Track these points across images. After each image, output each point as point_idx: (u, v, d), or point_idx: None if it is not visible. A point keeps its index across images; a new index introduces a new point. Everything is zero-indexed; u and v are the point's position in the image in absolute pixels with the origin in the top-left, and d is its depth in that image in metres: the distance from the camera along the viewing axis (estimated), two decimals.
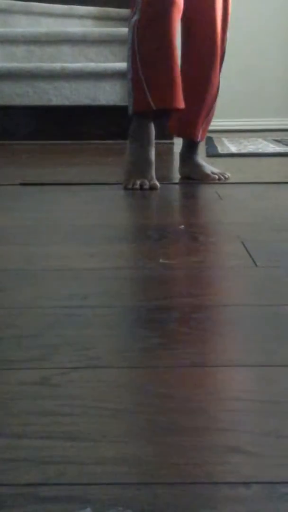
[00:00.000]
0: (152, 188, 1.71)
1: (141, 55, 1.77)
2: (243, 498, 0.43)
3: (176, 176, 1.97)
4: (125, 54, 3.44)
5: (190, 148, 1.94)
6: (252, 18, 4.39)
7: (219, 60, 1.85)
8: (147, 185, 1.72)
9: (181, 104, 1.75)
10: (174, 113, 1.83)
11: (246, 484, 0.44)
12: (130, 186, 1.72)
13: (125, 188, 1.73)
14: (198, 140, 1.91)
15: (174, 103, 1.74)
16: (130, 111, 1.80)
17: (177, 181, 1.90)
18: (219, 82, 1.88)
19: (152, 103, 1.75)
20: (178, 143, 3.20)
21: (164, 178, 1.92)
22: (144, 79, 1.75)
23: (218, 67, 1.85)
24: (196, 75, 1.85)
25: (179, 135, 1.96)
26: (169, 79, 1.73)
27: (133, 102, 1.78)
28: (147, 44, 1.75)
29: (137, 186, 1.72)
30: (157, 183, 1.73)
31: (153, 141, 1.80)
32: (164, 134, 3.19)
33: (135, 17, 1.78)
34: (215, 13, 1.80)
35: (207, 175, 1.86)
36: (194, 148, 1.94)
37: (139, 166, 1.76)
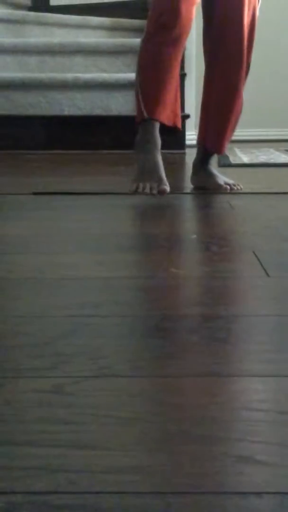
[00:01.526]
0: (161, 192, 1.69)
1: (139, 67, 1.82)
2: (254, 508, 0.43)
3: (188, 185, 1.97)
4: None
5: (204, 158, 1.93)
6: (266, 27, 4.39)
7: (245, 75, 1.85)
8: (155, 189, 1.70)
9: (166, 121, 1.78)
10: (205, 124, 1.88)
11: (257, 494, 0.44)
12: (139, 190, 1.71)
13: (134, 192, 1.71)
14: (222, 153, 1.94)
15: (161, 116, 1.76)
16: (136, 118, 1.83)
17: (189, 191, 1.90)
18: (242, 97, 1.89)
19: (145, 113, 1.78)
20: (189, 153, 3.20)
21: (176, 188, 1.92)
22: (140, 90, 1.80)
23: (243, 81, 1.86)
24: (223, 89, 1.85)
25: (206, 146, 1.92)
26: (159, 92, 1.76)
27: (136, 113, 1.83)
28: (145, 57, 1.79)
29: (147, 190, 1.70)
30: (167, 187, 1.70)
31: (159, 146, 1.79)
32: (177, 143, 3.19)
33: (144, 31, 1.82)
34: (242, 29, 1.78)
35: (219, 186, 1.85)
36: (208, 159, 1.93)
37: (146, 170, 1.75)
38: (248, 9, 1.78)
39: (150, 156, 1.77)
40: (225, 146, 1.90)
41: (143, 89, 1.79)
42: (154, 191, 1.70)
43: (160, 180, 1.72)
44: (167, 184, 1.71)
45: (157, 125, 1.79)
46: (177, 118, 1.85)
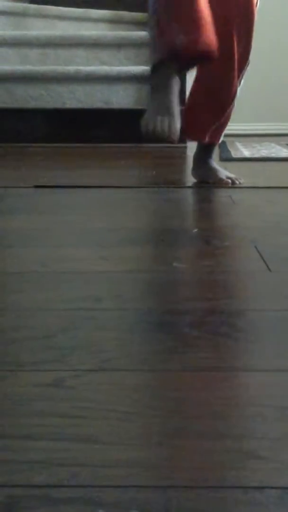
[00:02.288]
0: (169, 140, 1.60)
1: None
2: (255, 502, 0.43)
3: (189, 180, 1.97)
4: (140, 57, 3.45)
5: (204, 151, 1.87)
6: (270, 22, 4.38)
7: (236, 62, 1.73)
8: (166, 133, 1.59)
9: (212, 45, 1.59)
10: (187, 113, 1.76)
11: (259, 488, 0.44)
12: (150, 128, 1.60)
13: (144, 132, 1.61)
14: (206, 142, 1.82)
15: (205, 44, 1.58)
16: (152, 60, 1.66)
17: (190, 185, 1.90)
18: (237, 88, 1.78)
19: (179, 44, 1.58)
20: (191, 147, 3.20)
21: (177, 182, 1.92)
22: (168, 17, 1.59)
23: (236, 68, 1.73)
24: (210, 75, 1.75)
25: (186, 136, 1.85)
26: (196, 15, 1.57)
27: (157, 48, 1.64)
28: None
29: (158, 128, 1.59)
30: (176, 137, 1.62)
31: (178, 93, 1.67)
32: (180, 137, 3.18)
33: None
34: (231, 22, 1.67)
35: (221, 180, 1.83)
36: (208, 152, 1.87)
37: (160, 110, 1.62)
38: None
39: (167, 100, 1.64)
40: (206, 135, 1.79)
41: (175, 16, 1.59)
42: (166, 131, 1.60)
43: (173, 123, 1.62)
44: (178, 128, 1.62)
45: (176, 66, 1.63)
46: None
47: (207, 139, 1.80)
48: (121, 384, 0.60)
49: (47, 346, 0.69)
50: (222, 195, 1.70)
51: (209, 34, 1.59)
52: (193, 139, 1.86)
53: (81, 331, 0.74)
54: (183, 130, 1.72)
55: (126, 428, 0.52)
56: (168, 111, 1.63)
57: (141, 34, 3.41)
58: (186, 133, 1.82)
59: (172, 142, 1.65)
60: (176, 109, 1.64)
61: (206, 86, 1.77)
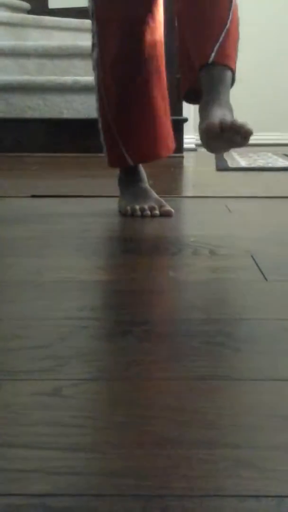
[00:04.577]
0: (166, 213, 1.52)
1: (109, 99, 1.53)
2: (253, 511, 0.43)
3: (186, 189, 1.97)
4: None
5: (216, 79, 1.39)
6: (266, 31, 4.41)
7: None
8: (155, 210, 1.52)
9: (165, 152, 1.55)
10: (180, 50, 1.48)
11: (256, 497, 0.44)
12: (137, 213, 1.52)
13: (132, 214, 1.53)
14: (210, 61, 1.38)
15: (158, 154, 1.55)
16: (106, 162, 1.61)
17: (186, 194, 1.90)
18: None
19: (129, 159, 1.55)
20: (187, 157, 3.21)
21: (174, 191, 1.93)
22: (116, 130, 1.55)
23: None
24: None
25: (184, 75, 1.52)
26: (147, 127, 1.52)
27: (107, 155, 1.60)
28: (114, 84, 1.51)
29: (146, 212, 1.51)
30: (170, 209, 1.53)
31: (144, 175, 1.61)
32: (176, 146, 3.19)
33: (95, 52, 1.53)
34: None
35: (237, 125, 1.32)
36: (223, 80, 1.40)
37: (139, 195, 1.57)
38: None
39: (140, 185, 1.59)
40: (210, 54, 1.40)
41: (123, 129, 1.55)
42: (156, 212, 1.52)
43: (159, 202, 1.55)
44: (169, 206, 1.54)
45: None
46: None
47: (212, 58, 1.39)
48: (117, 393, 0.60)
49: (44, 355, 0.69)
50: (218, 204, 1.70)
51: (162, 140, 1.54)
52: (197, 63, 1.42)
53: (78, 340, 0.74)
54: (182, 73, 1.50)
55: (122, 437, 0.53)
56: (144, 200, 1.56)
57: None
58: (183, 69, 1.50)
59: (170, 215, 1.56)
60: (151, 196, 1.57)
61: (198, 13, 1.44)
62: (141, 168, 1.63)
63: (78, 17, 3.82)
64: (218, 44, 1.39)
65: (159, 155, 1.56)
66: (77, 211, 1.63)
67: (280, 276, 1.02)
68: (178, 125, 3.20)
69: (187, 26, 1.45)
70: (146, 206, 1.53)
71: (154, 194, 1.59)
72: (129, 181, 1.61)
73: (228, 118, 1.31)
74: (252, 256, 1.13)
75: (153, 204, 1.54)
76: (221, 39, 1.40)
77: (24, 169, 2.65)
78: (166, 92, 1.57)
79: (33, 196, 1.84)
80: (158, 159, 1.57)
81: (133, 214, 1.53)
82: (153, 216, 1.51)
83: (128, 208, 1.54)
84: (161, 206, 1.54)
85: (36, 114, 3.32)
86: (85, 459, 0.49)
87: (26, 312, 0.84)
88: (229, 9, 1.42)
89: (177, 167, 2.69)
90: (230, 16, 1.41)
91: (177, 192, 1.95)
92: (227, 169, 2.59)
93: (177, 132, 3.30)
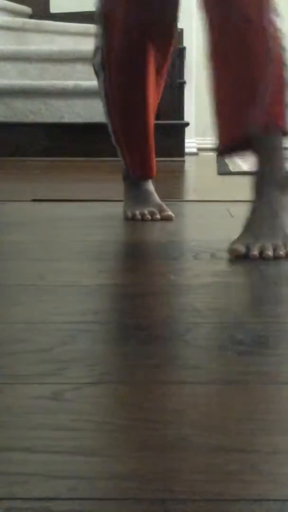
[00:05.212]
0: (167, 218, 1.52)
1: (114, 102, 1.56)
2: None
3: (187, 193, 1.97)
4: None
5: (263, 166, 1.22)
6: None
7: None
8: (156, 215, 1.52)
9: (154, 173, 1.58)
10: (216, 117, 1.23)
11: (258, 501, 0.44)
12: (137, 217, 1.53)
13: (132, 218, 1.54)
14: (249, 131, 1.18)
15: (150, 173, 1.58)
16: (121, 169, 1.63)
17: (188, 198, 1.90)
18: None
19: (130, 171, 1.60)
20: (189, 161, 3.21)
21: (175, 196, 1.93)
22: (118, 146, 1.62)
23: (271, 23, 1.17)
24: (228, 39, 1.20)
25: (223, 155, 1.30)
26: (141, 149, 1.56)
27: (122, 164, 1.63)
28: (118, 87, 1.52)
29: (147, 216, 1.52)
30: (171, 213, 1.53)
31: (151, 197, 1.59)
32: (176, 151, 3.20)
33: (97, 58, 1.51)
34: None
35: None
36: (270, 169, 1.21)
37: (141, 199, 1.57)
38: None
39: (144, 188, 1.59)
40: (255, 116, 1.18)
41: (124, 147, 1.61)
42: (157, 216, 1.52)
43: (160, 206, 1.55)
44: (170, 211, 1.54)
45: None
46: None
47: (250, 126, 1.19)
48: (119, 397, 0.60)
49: (45, 359, 0.69)
50: (220, 209, 1.70)
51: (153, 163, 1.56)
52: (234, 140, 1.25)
53: (80, 344, 0.74)
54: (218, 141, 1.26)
55: (124, 441, 0.53)
56: (146, 204, 1.56)
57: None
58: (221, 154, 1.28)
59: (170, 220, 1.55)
60: (153, 199, 1.57)
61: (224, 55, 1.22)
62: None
63: (80, 21, 3.83)
64: (256, 108, 1.18)
65: (152, 175, 1.60)
66: (79, 215, 1.63)
67: (282, 279, 1.02)
68: (180, 130, 3.21)
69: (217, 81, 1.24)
70: (146, 211, 1.54)
71: (156, 198, 1.59)
72: (132, 182, 1.61)
73: (265, 249, 1.13)
74: (253, 260, 1.13)
75: (153, 209, 1.55)
76: (259, 100, 1.17)
77: (25, 173, 2.66)
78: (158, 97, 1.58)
79: (34, 200, 1.84)
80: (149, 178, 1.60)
81: (133, 219, 1.54)
82: (153, 220, 1.52)
83: (129, 213, 1.55)
84: (161, 210, 1.55)
85: (37, 119, 3.32)
86: (86, 463, 0.49)
87: (28, 316, 0.84)
88: (267, 58, 1.17)
89: (178, 171, 2.70)
90: (270, 67, 1.16)
91: (179, 196, 1.95)
92: (229, 173, 2.59)
93: (179, 137, 3.31)
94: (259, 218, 1.18)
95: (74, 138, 3.28)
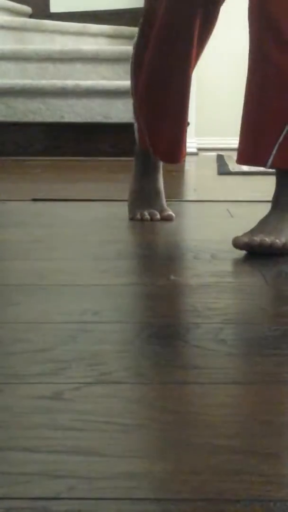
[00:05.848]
0: (167, 218, 1.52)
1: (138, 95, 1.52)
2: None
3: (187, 193, 1.97)
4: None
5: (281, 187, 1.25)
6: None
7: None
8: (156, 216, 1.53)
9: (181, 160, 1.51)
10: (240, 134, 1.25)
11: (259, 501, 0.44)
12: (137, 217, 1.53)
13: (131, 219, 1.54)
14: (268, 166, 1.21)
15: (175, 160, 1.51)
16: (136, 147, 1.60)
17: (188, 198, 1.91)
18: None
19: (151, 150, 1.52)
20: (189, 160, 3.21)
21: (175, 195, 1.93)
22: (143, 122, 1.53)
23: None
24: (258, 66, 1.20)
25: (244, 162, 1.26)
26: (171, 134, 1.47)
27: (137, 137, 1.58)
28: (146, 83, 1.46)
29: (146, 216, 1.52)
30: (172, 213, 1.54)
31: (160, 168, 1.58)
32: None
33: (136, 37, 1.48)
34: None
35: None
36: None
37: (146, 197, 1.56)
38: None
39: (152, 184, 1.57)
40: (269, 156, 1.21)
41: (150, 126, 1.52)
42: (157, 217, 1.53)
43: (162, 207, 1.56)
44: (170, 211, 1.55)
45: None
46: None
47: (270, 163, 1.21)
48: (119, 396, 0.60)
49: (46, 359, 0.69)
50: (220, 209, 1.70)
51: (182, 149, 1.48)
52: (251, 163, 1.26)
53: (80, 344, 0.74)
54: (237, 156, 1.26)
55: (124, 440, 0.53)
56: (148, 204, 1.55)
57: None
58: (243, 157, 1.26)
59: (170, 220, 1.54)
60: (163, 194, 1.56)
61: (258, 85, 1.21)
62: (160, 165, 1.58)
63: (80, 21, 3.83)
64: (277, 145, 1.19)
65: (176, 162, 1.54)
66: (78, 215, 1.63)
67: (281, 280, 1.02)
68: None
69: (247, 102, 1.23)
70: (146, 212, 1.54)
71: (160, 198, 1.58)
72: (143, 173, 1.58)
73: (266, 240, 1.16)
74: (253, 261, 1.13)
75: (153, 210, 1.55)
76: (281, 138, 1.18)
77: (25, 173, 2.66)
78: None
79: (34, 199, 1.84)
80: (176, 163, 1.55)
81: (132, 219, 1.55)
82: (153, 221, 1.53)
83: (131, 213, 1.56)
84: (162, 210, 1.55)
85: (37, 118, 3.32)
86: (86, 463, 0.49)
87: (28, 316, 0.84)
88: None
89: (178, 171, 2.70)
90: None
91: (179, 196, 1.95)
92: (229, 173, 2.59)
93: None
94: (267, 220, 1.22)
95: (74, 138, 3.28)
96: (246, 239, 1.17)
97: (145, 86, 1.51)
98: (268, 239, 1.16)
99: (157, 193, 1.58)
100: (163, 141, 1.50)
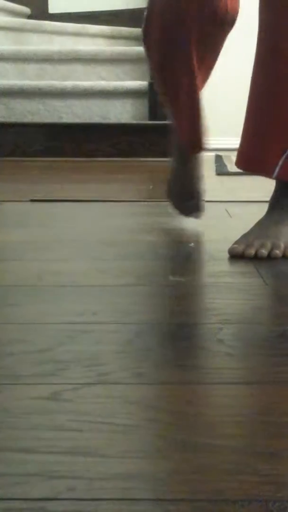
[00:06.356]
0: (195, 215, 1.44)
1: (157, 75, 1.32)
2: None
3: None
4: (137, 72, 3.47)
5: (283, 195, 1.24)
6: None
7: None
8: (192, 213, 1.43)
9: (204, 147, 1.35)
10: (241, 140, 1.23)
11: (258, 501, 0.44)
12: (176, 212, 1.46)
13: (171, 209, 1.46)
14: (274, 176, 1.20)
15: (197, 148, 1.36)
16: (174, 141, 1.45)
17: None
18: None
19: (179, 134, 1.37)
20: None
21: None
22: (165, 101, 1.36)
23: None
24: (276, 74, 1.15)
25: (247, 169, 1.24)
26: (188, 105, 1.30)
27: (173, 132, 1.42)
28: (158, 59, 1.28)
29: (184, 213, 1.44)
30: (200, 209, 1.44)
31: (199, 168, 1.45)
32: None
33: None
34: None
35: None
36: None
37: (179, 183, 1.45)
38: None
39: (186, 167, 1.43)
40: (275, 167, 1.20)
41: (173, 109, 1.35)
42: (186, 213, 1.44)
43: (197, 194, 1.43)
44: (202, 202, 1.42)
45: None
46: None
47: (276, 173, 1.20)
48: (118, 397, 0.60)
49: (44, 360, 0.69)
50: (218, 209, 1.70)
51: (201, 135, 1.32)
52: (256, 173, 1.24)
53: (78, 344, 0.74)
54: (241, 161, 1.24)
55: (123, 441, 0.53)
56: (191, 195, 1.44)
57: (138, 49, 3.44)
58: (247, 166, 1.24)
59: (198, 218, 1.47)
60: (199, 188, 1.43)
61: (268, 90, 1.17)
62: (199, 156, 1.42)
63: (79, 22, 3.83)
64: (285, 156, 1.16)
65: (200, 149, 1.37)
66: (77, 216, 1.63)
67: (279, 280, 1.02)
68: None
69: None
70: (185, 212, 1.45)
71: (199, 191, 1.43)
72: (179, 158, 1.43)
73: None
74: (251, 261, 1.13)
75: (190, 211, 1.45)
76: None
77: (23, 174, 2.65)
78: None
79: (33, 200, 1.84)
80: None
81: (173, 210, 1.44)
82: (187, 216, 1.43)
83: (172, 208, 1.47)
84: (195, 211, 1.46)
85: (36, 119, 3.32)
86: (85, 463, 0.49)
87: (26, 317, 0.84)
88: None
89: None
90: None
91: None
92: (227, 173, 2.60)
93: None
94: (266, 222, 1.21)
95: (73, 139, 3.28)
96: (241, 250, 1.15)
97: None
98: (265, 250, 1.14)
99: (195, 178, 1.43)
100: (181, 121, 1.33)
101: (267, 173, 1.19)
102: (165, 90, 1.33)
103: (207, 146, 1.35)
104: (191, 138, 1.34)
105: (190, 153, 1.39)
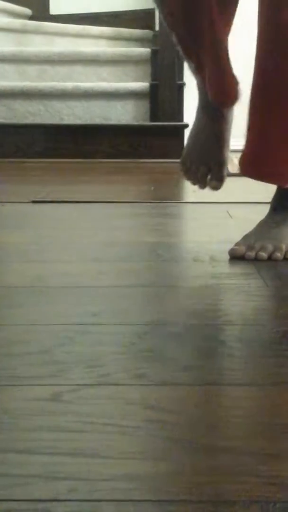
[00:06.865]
0: (212, 186, 1.27)
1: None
2: None
3: (186, 194, 1.98)
4: (138, 74, 3.47)
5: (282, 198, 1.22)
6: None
7: None
8: (203, 179, 1.25)
9: (236, 97, 1.16)
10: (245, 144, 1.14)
11: (258, 502, 0.44)
12: (188, 174, 1.28)
13: (184, 174, 1.29)
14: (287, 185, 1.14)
15: (229, 99, 1.18)
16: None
17: (187, 200, 1.90)
18: None
19: (207, 88, 1.18)
20: None
21: (175, 197, 1.93)
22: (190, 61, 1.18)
23: None
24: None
25: (256, 177, 1.20)
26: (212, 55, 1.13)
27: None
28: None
29: (198, 174, 1.26)
30: (220, 180, 1.27)
31: (228, 128, 1.25)
32: (176, 152, 3.20)
33: None
34: None
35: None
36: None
37: (198, 145, 1.26)
38: None
39: (211, 124, 1.22)
40: (285, 173, 1.16)
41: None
42: (200, 183, 1.27)
43: (220, 161, 1.26)
44: (225, 171, 1.26)
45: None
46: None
47: None
48: (118, 398, 0.60)
49: (45, 361, 0.69)
50: (219, 210, 1.70)
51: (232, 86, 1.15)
52: (263, 180, 1.19)
53: (79, 345, 0.74)
54: (244, 166, 1.19)
55: (124, 442, 0.53)
56: (214, 161, 1.27)
57: (140, 50, 3.44)
58: (252, 172, 1.20)
59: (215, 189, 1.30)
60: (225, 154, 1.27)
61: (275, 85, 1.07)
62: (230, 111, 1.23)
63: (80, 23, 3.83)
64: None
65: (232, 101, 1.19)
66: (78, 217, 1.63)
67: (280, 282, 1.02)
68: (179, 131, 3.21)
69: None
70: (200, 168, 1.27)
71: (223, 149, 1.27)
72: (208, 114, 1.24)
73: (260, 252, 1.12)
74: (252, 262, 1.13)
75: (203, 167, 1.26)
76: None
77: (24, 175, 2.65)
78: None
79: (34, 201, 1.84)
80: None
81: (185, 174, 1.29)
82: (199, 186, 1.28)
83: (183, 166, 1.30)
84: (218, 165, 1.27)
85: (36, 120, 3.32)
86: (86, 464, 0.49)
87: (27, 318, 0.84)
88: None
89: (178, 172, 2.70)
90: None
91: (178, 197, 1.95)
92: (228, 174, 2.59)
93: (178, 138, 3.31)
94: (267, 224, 1.20)
95: (74, 140, 3.28)
96: (241, 252, 1.15)
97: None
98: (265, 253, 1.13)
99: (218, 139, 1.25)
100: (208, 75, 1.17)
101: (282, 182, 1.12)
102: (187, 44, 1.16)
103: (240, 97, 1.17)
104: (222, 88, 1.17)
105: (222, 107, 1.20)
